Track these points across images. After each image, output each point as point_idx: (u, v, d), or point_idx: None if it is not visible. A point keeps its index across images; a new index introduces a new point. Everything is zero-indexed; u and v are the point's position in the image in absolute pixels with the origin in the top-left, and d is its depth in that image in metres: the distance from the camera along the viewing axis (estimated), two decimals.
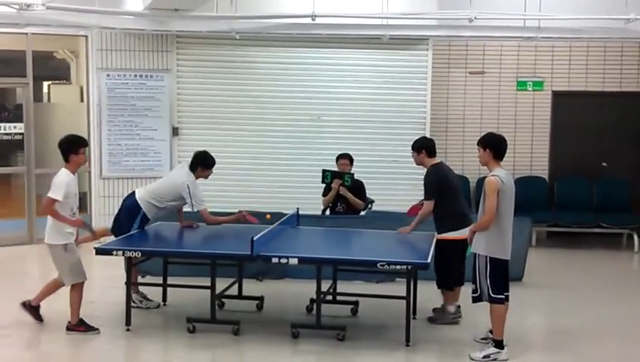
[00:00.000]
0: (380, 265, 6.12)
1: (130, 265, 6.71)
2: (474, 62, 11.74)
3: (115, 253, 6.47)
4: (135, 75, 10.74)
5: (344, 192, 8.68)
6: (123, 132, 10.76)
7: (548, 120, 11.83)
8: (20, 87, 11.02)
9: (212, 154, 7.45)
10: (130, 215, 7.24)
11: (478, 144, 6.22)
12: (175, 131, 10.92)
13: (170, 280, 7.42)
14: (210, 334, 6.51)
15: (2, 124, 10.92)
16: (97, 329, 6.57)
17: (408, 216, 7.42)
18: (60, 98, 12.40)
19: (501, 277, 6.05)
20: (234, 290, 7.35)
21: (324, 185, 8.86)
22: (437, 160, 7.16)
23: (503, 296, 6.06)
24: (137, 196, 7.29)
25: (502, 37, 10.96)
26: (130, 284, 6.73)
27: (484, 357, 6.02)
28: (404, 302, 6.29)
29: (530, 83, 11.76)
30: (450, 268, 6.95)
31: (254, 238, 6.16)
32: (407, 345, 6.28)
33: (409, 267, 6.26)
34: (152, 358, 6.43)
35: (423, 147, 7.14)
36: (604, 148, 11.81)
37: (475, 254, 6.11)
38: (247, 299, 7.42)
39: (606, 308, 7.76)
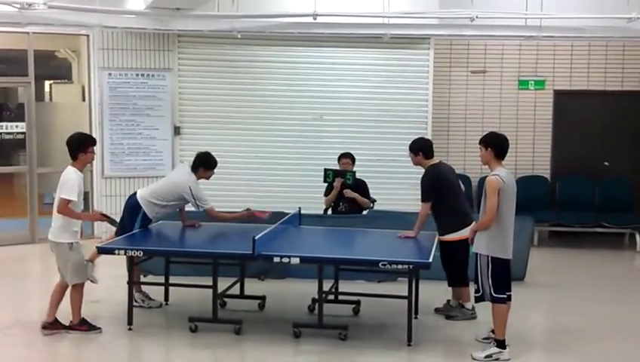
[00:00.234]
0: (382, 265, 6.12)
1: (132, 264, 6.71)
2: (475, 61, 11.73)
3: (117, 252, 6.48)
4: (137, 75, 10.74)
5: (350, 194, 8.67)
6: (125, 131, 10.76)
7: (550, 119, 11.83)
8: (21, 86, 11.02)
9: (214, 153, 7.45)
10: (131, 214, 7.25)
11: (479, 143, 6.22)
12: (177, 130, 10.92)
13: (173, 280, 7.43)
14: (212, 333, 6.51)
15: (4, 124, 10.94)
16: (99, 328, 6.57)
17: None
18: (62, 97, 12.39)
19: (503, 277, 6.05)
20: (236, 290, 7.35)
21: (326, 184, 8.86)
22: (435, 160, 7.14)
23: (505, 296, 6.06)
24: (138, 195, 7.31)
25: (503, 36, 10.94)
26: (133, 284, 6.73)
27: (486, 356, 6.02)
28: (406, 301, 6.29)
29: (532, 82, 11.75)
30: (457, 266, 6.97)
31: (256, 238, 6.16)
32: (409, 345, 6.28)
33: (411, 266, 6.28)
34: (154, 357, 6.43)
35: (420, 148, 7.12)
36: (606, 147, 11.80)
37: (477, 254, 6.11)
38: (249, 299, 7.41)
39: (608, 308, 7.76)
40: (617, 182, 11.57)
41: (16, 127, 10.82)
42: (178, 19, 10.20)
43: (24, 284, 8.59)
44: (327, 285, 6.74)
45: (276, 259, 6.26)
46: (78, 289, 6.48)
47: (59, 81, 12.70)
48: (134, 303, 6.84)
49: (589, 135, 11.82)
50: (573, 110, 11.76)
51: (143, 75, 10.75)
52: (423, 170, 7.13)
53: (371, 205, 9.00)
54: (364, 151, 10.23)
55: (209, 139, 10.48)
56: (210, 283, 6.51)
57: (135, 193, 7.41)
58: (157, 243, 7.19)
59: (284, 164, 10.97)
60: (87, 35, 10.69)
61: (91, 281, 6.74)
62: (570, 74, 11.73)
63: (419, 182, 7.15)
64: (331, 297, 7.20)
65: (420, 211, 7.05)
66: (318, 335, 6.45)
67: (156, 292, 7.45)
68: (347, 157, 8.90)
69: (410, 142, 7.26)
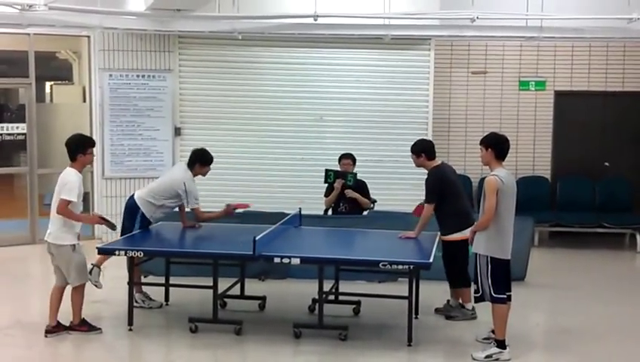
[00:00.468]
0: (382, 265, 6.13)
1: (132, 264, 6.72)
2: (476, 62, 11.73)
3: (117, 252, 6.50)
4: (137, 75, 10.74)
5: (352, 194, 8.67)
6: (125, 132, 10.76)
7: (550, 120, 11.82)
8: (22, 87, 11.04)
9: (214, 154, 7.46)
10: (130, 215, 7.27)
11: (480, 144, 6.23)
12: (177, 131, 10.92)
13: (173, 280, 7.44)
14: (213, 334, 6.52)
15: (5, 125, 10.94)
16: (100, 329, 6.58)
17: (414, 216, 7.42)
18: (63, 98, 12.40)
19: (502, 277, 6.05)
20: (236, 290, 7.36)
21: (326, 185, 8.86)
22: (437, 161, 7.15)
23: (505, 296, 6.06)
24: (136, 196, 7.35)
25: (504, 37, 10.94)
26: (133, 284, 6.74)
27: (486, 356, 6.02)
28: (407, 301, 6.30)
29: (533, 83, 11.75)
30: (458, 267, 6.98)
31: (257, 238, 6.17)
32: (410, 345, 6.28)
33: (411, 267, 6.28)
34: (155, 358, 6.43)
35: (423, 150, 7.13)
36: (607, 147, 11.80)
37: (476, 254, 6.11)
38: (250, 299, 7.42)
39: (608, 308, 7.76)
40: (617, 182, 11.58)
41: (17, 128, 10.83)
42: (179, 21, 10.20)
43: (24, 285, 8.59)
44: (327, 285, 6.74)
45: (277, 260, 6.27)
46: (79, 290, 6.49)
47: (60, 82, 12.70)
48: (135, 303, 6.84)
49: (589, 135, 11.82)
50: (574, 111, 11.76)
51: (143, 75, 10.76)
52: (426, 171, 7.14)
53: (372, 206, 9.00)
54: (365, 151, 10.23)
55: (209, 139, 10.42)
56: (211, 284, 6.51)
57: (134, 194, 7.43)
58: (157, 243, 7.20)
59: (284, 165, 10.97)
60: (88, 36, 10.70)
61: (96, 286, 6.76)
62: (570, 74, 11.73)
63: (419, 182, 7.16)
64: (332, 297, 7.21)
65: (424, 212, 7.05)
66: (318, 335, 6.45)
67: (156, 293, 7.45)
68: (348, 157, 8.90)
69: (410, 142, 7.27)
